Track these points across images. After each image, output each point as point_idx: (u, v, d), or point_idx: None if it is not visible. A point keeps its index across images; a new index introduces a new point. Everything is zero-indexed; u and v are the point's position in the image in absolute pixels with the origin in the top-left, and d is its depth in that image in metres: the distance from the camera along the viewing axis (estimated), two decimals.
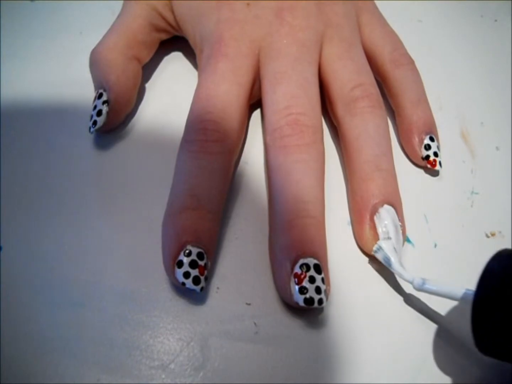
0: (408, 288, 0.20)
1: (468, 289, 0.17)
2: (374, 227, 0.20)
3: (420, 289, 0.18)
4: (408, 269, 0.19)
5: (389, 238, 0.20)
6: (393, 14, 0.26)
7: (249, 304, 0.19)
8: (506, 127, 0.26)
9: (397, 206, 0.21)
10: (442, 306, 0.20)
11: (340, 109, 0.23)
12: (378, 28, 0.25)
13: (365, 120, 0.22)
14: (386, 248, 0.20)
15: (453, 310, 0.20)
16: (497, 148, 0.26)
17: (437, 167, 0.23)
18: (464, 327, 0.20)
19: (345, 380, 0.18)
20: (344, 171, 0.23)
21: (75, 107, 0.24)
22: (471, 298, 0.16)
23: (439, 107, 0.26)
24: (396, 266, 0.19)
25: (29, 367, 0.18)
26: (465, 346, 0.19)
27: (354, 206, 0.22)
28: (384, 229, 0.20)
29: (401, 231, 0.20)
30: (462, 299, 0.17)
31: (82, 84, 0.24)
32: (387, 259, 0.19)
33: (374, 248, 0.20)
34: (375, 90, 0.23)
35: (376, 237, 0.20)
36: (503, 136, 0.26)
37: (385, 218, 0.20)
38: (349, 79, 0.23)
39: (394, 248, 0.20)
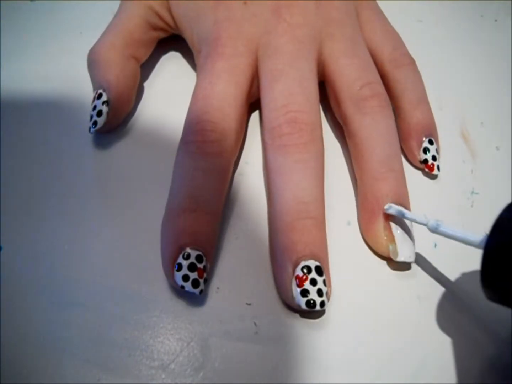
0: (408, 290, 0.20)
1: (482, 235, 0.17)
2: (389, 228, 0.20)
3: (434, 231, 0.18)
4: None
5: (405, 239, 0.20)
6: (393, 14, 0.26)
7: (249, 304, 0.19)
8: (506, 127, 0.26)
9: (407, 207, 0.21)
10: (443, 307, 0.20)
11: (349, 108, 0.22)
12: (379, 26, 0.25)
13: (376, 119, 0.22)
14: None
15: (454, 310, 0.20)
16: (497, 148, 0.26)
17: (435, 171, 0.23)
18: (464, 327, 0.20)
19: (345, 380, 0.18)
20: (341, 170, 0.23)
21: (75, 107, 0.24)
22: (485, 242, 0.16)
23: (439, 107, 0.26)
24: (409, 213, 0.20)
25: (29, 367, 0.18)
26: (465, 346, 0.19)
27: (365, 205, 0.21)
28: (399, 230, 0.20)
29: (412, 232, 0.21)
30: (476, 243, 0.17)
31: (82, 84, 0.24)
32: (400, 211, 0.20)
33: (386, 207, 0.20)
34: (382, 89, 0.23)
35: (391, 238, 0.20)
36: (503, 136, 0.26)
37: (399, 218, 0.20)
38: (357, 77, 0.22)
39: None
